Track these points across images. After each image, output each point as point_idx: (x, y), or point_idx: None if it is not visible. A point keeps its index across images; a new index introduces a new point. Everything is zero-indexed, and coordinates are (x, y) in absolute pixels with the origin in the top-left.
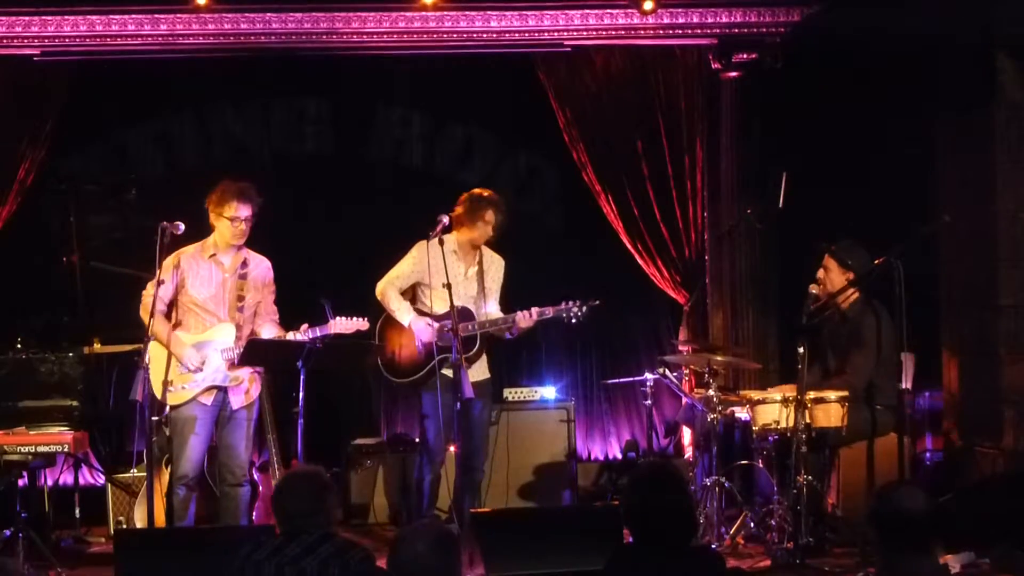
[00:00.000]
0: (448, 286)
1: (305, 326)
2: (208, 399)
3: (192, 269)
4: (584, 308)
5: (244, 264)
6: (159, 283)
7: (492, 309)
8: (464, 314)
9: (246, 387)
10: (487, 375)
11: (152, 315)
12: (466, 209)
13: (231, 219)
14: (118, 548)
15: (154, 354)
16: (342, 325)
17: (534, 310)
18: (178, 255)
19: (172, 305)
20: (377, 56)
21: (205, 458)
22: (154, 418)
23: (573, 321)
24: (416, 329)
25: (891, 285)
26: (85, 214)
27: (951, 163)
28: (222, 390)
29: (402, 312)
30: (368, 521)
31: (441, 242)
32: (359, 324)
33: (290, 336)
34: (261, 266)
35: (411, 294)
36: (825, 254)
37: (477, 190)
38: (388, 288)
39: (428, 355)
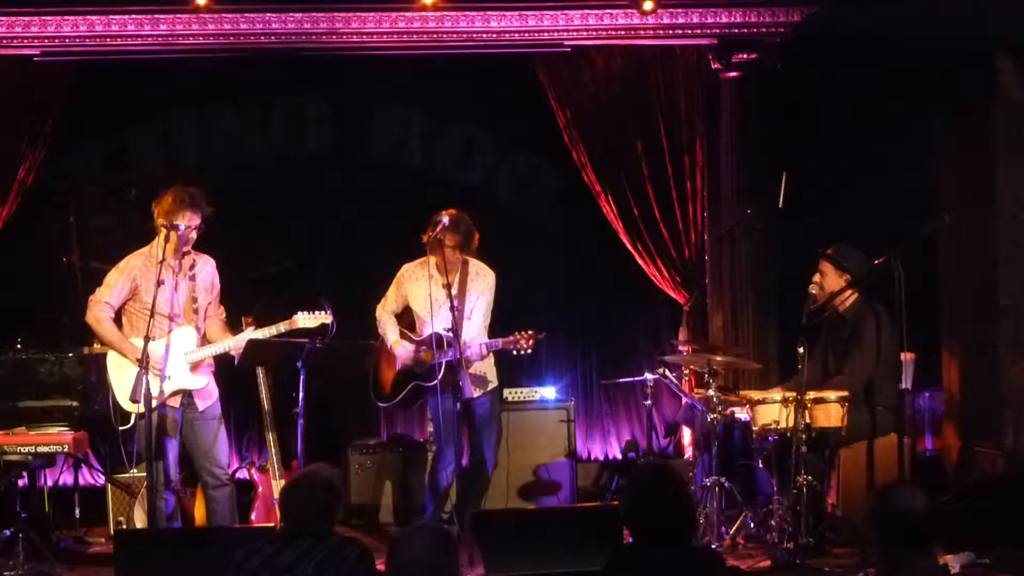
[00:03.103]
0: (448, 286)
1: (251, 329)
2: (175, 402)
3: (145, 276)
4: (531, 341)
5: (192, 266)
6: (160, 282)
7: (474, 329)
8: (435, 341)
9: (212, 389)
10: (493, 384)
11: (153, 315)
12: (428, 236)
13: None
14: (118, 548)
15: (115, 362)
16: (307, 320)
17: (483, 344)
18: (131, 263)
19: (122, 313)
20: (377, 56)
21: (179, 460)
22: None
23: (520, 353)
24: (395, 353)
25: (891, 285)
26: (85, 214)
27: (951, 163)
28: (187, 393)
29: (388, 335)
30: (368, 521)
31: (439, 245)
32: (322, 318)
33: (239, 336)
34: (207, 266)
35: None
36: (821, 259)
37: (436, 215)
38: (382, 310)
39: (405, 379)
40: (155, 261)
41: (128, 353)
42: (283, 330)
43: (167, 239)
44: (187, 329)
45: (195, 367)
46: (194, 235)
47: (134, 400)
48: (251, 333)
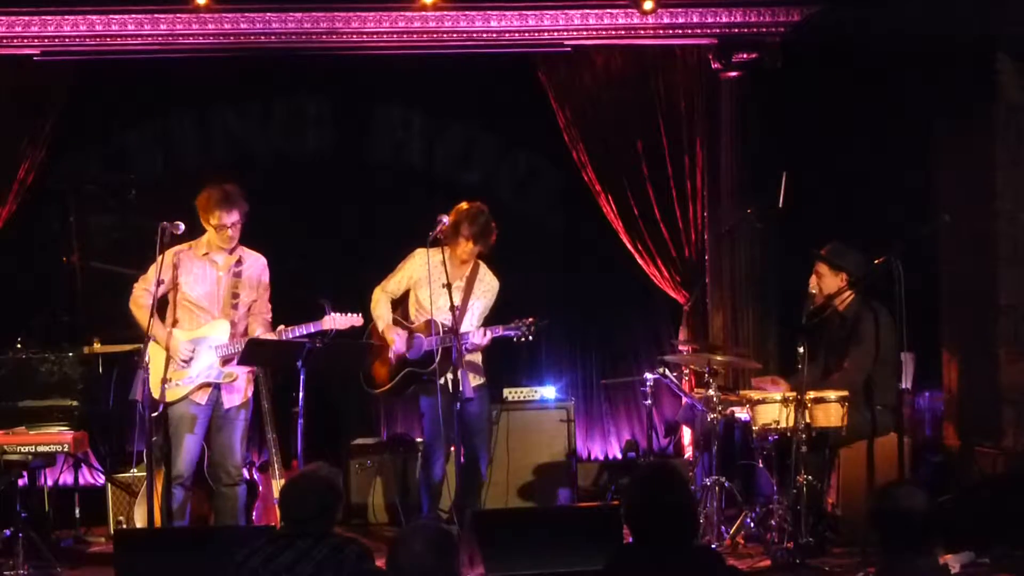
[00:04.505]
0: (448, 286)
1: (281, 327)
2: (202, 398)
3: (186, 267)
4: (533, 328)
5: (239, 262)
6: (160, 282)
7: (470, 326)
8: (432, 326)
9: (241, 386)
10: (481, 380)
11: (152, 315)
12: (449, 225)
13: (217, 227)
14: (118, 548)
15: (152, 353)
16: (338, 321)
17: (488, 330)
18: (175, 252)
19: (165, 303)
20: (377, 56)
21: (198, 457)
22: (153, 414)
23: (523, 340)
24: (388, 337)
25: (891, 285)
26: (85, 214)
27: (951, 163)
28: (215, 388)
29: (380, 319)
30: (368, 521)
31: (437, 241)
32: (353, 320)
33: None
34: (257, 264)
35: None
36: (815, 260)
37: (460, 205)
38: (380, 293)
39: (400, 366)
40: (199, 254)
41: (160, 339)
42: (312, 331)
43: (163, 241)
44: (220, 323)
45: (226, 362)
46: (230, 232)
47: (134, 399)
48: (283, 332)
